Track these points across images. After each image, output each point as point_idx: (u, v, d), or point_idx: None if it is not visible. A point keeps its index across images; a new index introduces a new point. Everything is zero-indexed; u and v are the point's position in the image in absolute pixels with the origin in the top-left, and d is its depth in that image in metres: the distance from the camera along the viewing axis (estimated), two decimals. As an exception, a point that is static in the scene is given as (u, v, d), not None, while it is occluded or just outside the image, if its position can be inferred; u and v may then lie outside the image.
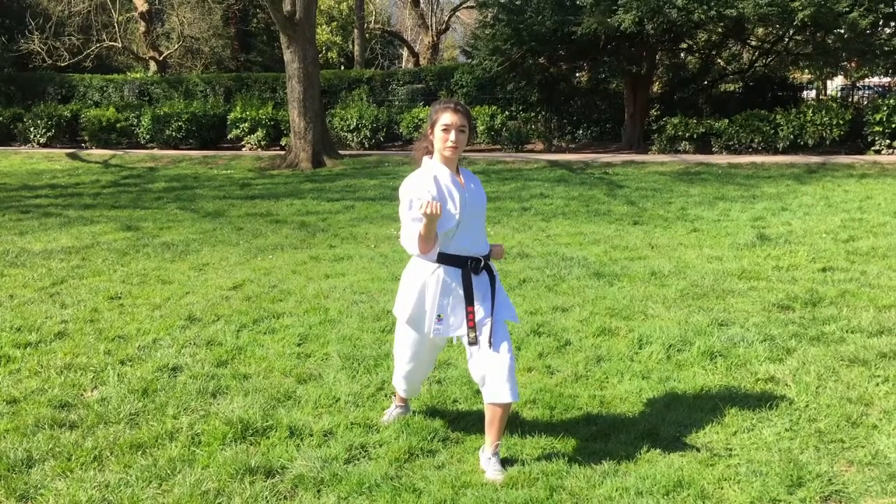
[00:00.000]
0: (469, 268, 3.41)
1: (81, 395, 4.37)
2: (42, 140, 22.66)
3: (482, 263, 3.44)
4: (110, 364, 4.81)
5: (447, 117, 3.38)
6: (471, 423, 3.90)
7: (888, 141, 16.41)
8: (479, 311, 3.41)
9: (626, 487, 3.25)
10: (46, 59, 26.96)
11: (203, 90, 24.52)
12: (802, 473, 3.32)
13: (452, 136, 3.37)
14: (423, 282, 3.45)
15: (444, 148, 3.40)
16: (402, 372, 3.77)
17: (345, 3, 38.88)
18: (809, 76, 21.66)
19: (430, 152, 3.50)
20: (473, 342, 3.37)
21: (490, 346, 3.36)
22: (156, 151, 20.86)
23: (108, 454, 3.62)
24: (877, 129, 16.42)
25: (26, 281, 6.98)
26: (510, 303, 3.62)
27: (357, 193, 12.65)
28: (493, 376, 3.35)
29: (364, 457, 3.60)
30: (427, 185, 3.35)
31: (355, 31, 33.17)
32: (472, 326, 3.37)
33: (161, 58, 28.25)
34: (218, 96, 24.15)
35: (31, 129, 22.76)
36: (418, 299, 3.47)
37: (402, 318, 3.58)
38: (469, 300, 3.39)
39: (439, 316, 3.43)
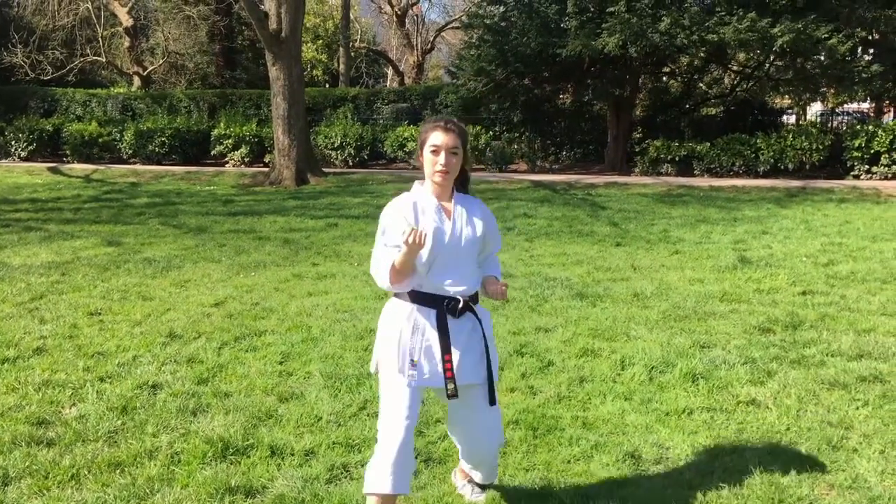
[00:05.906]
0: (445, 309, 2.99)
1: (59, 412, 4.32)
2: (23, 154, 22.49)
3: (461, 304, 3.00)
4: (89, 381, 4.75)
5: (436, 137, 2.97)
6: (453, 443, 3.88)
7: (867, 166, 16.67)
8: (464, 364, 3.00)
9: (608, 509, 3.26)
10: (29, 72, 26.82)
11: (187, 106, 24.47)
12: (783, 496, 3.33)
13: (442, 158, 2.96)
14: (398, 325, 3.00)
15: (433, 173, 2.99)
16: (380, 437, 2.98)
17: (330, 22, 39.04)
18: (789, 101, 21.98)
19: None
20: (453, 395, 2.95)
21: (483, 431, 3.12)
22: (138, 167, 20.76)
23: (86, 472, 3.57)
24: (856, 154, 16.67)
25: (5, 296, 6.91)
26: (496, 358, 3.15)
27: (341, 211, 12.64)
28: (483, 464, 3.26)
29: (346, 477, 3.57)
30: (404, 211, 2.99)
31: (340, 49, 33.30)
32: (451, 377, 2.94)
33: (145, 73, 28.15)
34: (202, 112, 24.11)
35: (13, 142, 22.58)
36: (392, 345, 3.00)
37: (373, 368, 3.13)
38: (445, 347, 2.95)
39: (413, 361, 2.96)
